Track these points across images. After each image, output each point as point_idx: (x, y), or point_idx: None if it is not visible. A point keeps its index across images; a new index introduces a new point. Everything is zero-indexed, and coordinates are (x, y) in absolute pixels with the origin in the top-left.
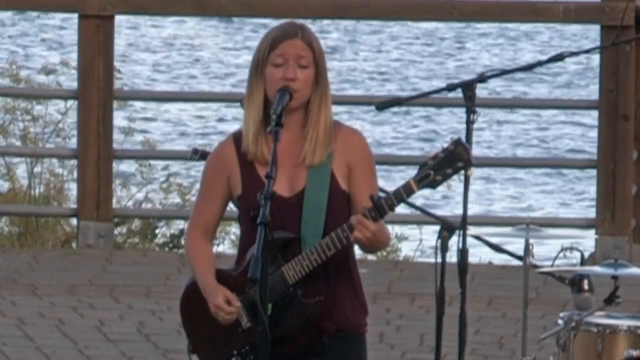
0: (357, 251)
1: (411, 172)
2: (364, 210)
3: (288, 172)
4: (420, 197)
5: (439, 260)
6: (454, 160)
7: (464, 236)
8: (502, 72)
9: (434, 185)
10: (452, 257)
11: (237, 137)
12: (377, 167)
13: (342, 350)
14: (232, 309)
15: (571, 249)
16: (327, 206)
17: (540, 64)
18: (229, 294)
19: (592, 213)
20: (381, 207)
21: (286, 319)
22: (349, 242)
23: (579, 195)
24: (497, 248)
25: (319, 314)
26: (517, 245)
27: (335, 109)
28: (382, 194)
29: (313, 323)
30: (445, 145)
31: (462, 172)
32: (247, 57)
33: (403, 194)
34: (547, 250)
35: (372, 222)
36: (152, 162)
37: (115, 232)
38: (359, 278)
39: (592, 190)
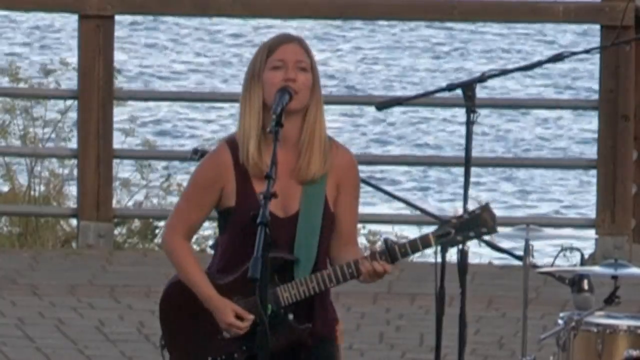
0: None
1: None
2: (373, 251)
3: (282, 191)
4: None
5: (439, 260)
6: (478, 224)
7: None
8: (502, 72)
9: (452, 244)
10: (452, 257)
11: (232, 144)
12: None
13: (315, 354)
14: (245, 325)
15: (571, 249)
16: (321, 229)
17: (540, 63)
18: (238, 309)
19: (592, 213)
20: (394, 254)
21: (271, 338)
22: (352, 278)
23: (579, 195)
24: (497, 248)
25: (305, 338)
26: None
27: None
28: (393, 239)
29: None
30: (472, 207)
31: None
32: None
33: (419, 245)
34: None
35: (381, 265)
36: (152, 162)
37: (115, 232)
38: (329, 290)
39: (592, 190)
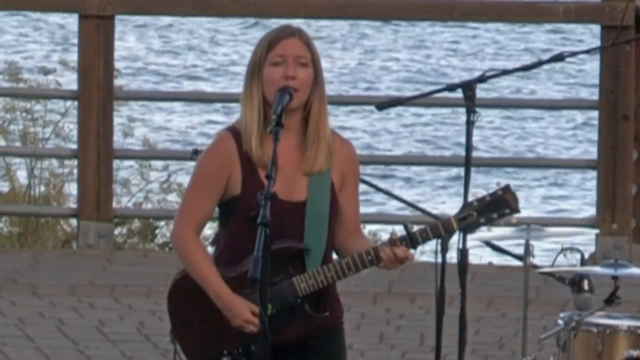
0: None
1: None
2: (394, 238)
3: (286, 178)
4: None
5: (439, 260)
6: (500, 205)
7: (464, 236)
8: (502, 72)
9: (474, 226)
10: (452, 257)
11: (234, 132)
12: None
13: (326, 345)
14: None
15: (571, 249)
16: (329, 217)
17: (540, 63)
18: (253, 306)
19: (592, 213)
20: (415, 239)
21: (289, 329)
22: (372, 265)
23: (579, 196)
24: (497, 248)
25: (320, 328)
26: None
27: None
28: (415, 227)
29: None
30: (493, 189)
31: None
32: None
33: (441, 229)
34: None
35: (402, 250)
36: (152, 162)
37: (115, 232)
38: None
39: (592, 190)
